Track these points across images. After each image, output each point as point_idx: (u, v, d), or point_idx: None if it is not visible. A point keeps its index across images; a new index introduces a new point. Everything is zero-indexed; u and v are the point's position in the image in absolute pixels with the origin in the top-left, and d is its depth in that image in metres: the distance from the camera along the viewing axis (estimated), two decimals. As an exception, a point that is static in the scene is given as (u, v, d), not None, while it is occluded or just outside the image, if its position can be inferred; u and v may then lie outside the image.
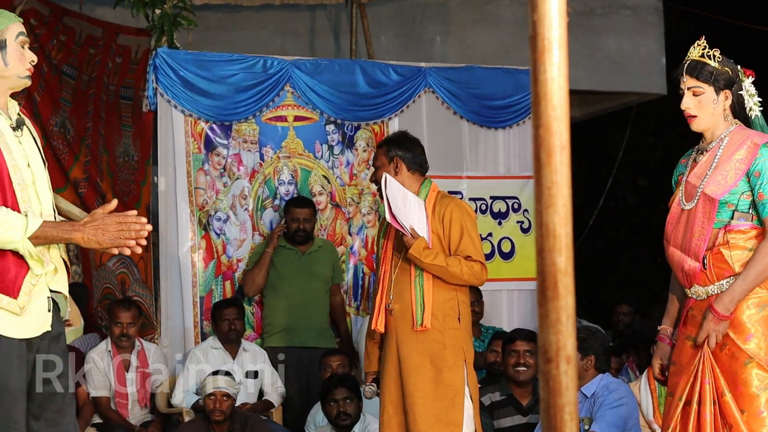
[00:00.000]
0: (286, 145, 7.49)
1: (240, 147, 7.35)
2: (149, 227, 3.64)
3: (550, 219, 1.64)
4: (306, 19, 9.18)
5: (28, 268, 3.60)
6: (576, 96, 10.03)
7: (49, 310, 3.69)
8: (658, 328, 4.31)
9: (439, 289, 5.14)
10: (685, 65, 4.03)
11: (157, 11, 7.12)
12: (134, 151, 7.55)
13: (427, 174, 5.41)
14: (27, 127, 3.78)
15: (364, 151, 7.68)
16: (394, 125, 7.73)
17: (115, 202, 3.70)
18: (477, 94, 7.96)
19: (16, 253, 3.58)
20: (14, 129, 3.69)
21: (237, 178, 7.33)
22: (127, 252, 3.65)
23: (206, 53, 7.53)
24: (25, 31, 3.77)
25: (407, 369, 5.14)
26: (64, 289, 3.76)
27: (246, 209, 7.36)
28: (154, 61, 7.10)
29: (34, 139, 3.79)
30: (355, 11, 8.55)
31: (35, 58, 3.75)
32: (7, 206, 3.57)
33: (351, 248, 7.63)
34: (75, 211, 3.86)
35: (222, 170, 7.30)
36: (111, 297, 7.37)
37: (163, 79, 7.11)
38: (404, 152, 5.33)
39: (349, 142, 7.66)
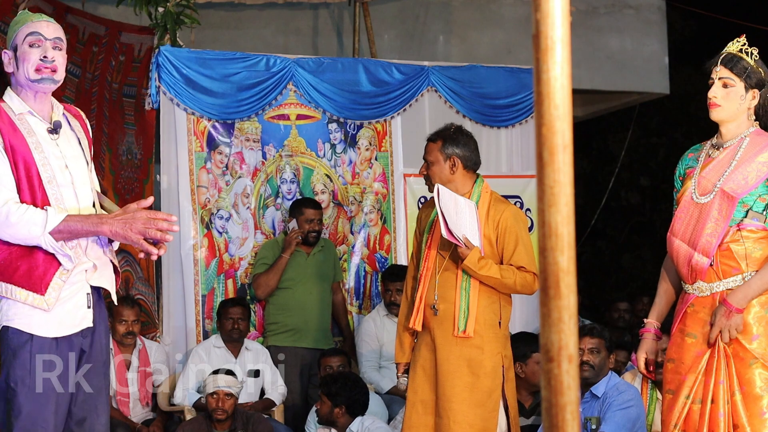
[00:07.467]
0: (288, 144, 7.49)
1: (242, 145, 7.35)
2: (177, 228, 3.63)
3: (553, 218, 1.64)
4: (309, 17, 9.17)
5: (59, 264, 3.59)
6: (579, 95, 10.03)
7: (89, 307, 3.67)
8: (644, 321, 4.28)
9: (483, 294, 4.93)
10: (722, 56, 4.04)
11: (160, 9, 7.13)
12: (137, 149, 7.55)
13: None
14: (73, 129, 3.77)
15: (367, 149, 7.68)
16: (396, 124, 7.74)
17: (150, 200, 3.67)
18: (480, 93, 7.96)
19: (46, 251, 3.56)
20: (50, 132, 3.68)
21: (239, 177, 7.33)
22: (154, 256, 3.61)
23: (209, 51, 7.52)
24: (36, 30, 3.66)
25: (444, 372, 4.94)
26: (107, 284, 3.73)
27: (248, 207, 7.36)
28: (157, 59, 7.10)
29: (80, 141, 3.77)
30: (358, 10, 8.55)
31: (47, 54, 3.63)
32: (37, 204, 3.56)
33: (353, 247, 7.63)
34: (117, 210, 3.84)
35: (224, 168, 7.30)
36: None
37: (166, 78, 7.12)
38: (462, 150, 5.01)
39: (351, 141, 7.66)
